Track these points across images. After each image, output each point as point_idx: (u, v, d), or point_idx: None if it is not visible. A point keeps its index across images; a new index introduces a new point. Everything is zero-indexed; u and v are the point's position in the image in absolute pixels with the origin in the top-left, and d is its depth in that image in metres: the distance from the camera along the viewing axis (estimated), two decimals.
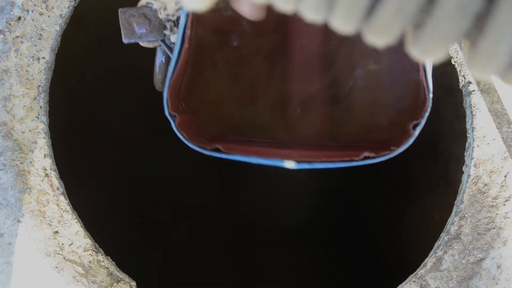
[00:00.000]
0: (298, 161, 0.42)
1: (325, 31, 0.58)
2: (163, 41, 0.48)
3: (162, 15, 0.47)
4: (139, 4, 0.48)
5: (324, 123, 0.55)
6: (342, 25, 0.23)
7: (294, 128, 0.55)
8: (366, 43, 0.24)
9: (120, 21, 0.48)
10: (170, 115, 0.46)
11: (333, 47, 0.57)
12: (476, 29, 0.21)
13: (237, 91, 0.55)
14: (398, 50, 0.55)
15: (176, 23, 0.47)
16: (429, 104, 0.43)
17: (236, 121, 0.53)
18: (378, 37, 0.23)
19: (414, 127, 0.43)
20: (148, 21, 0.48)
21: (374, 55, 0.56)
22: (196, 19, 0.47)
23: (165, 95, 0.46)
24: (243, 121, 0.54)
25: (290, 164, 0.42)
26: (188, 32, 0.46)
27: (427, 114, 0.42)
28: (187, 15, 0.45)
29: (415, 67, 0.46)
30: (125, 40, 0.48)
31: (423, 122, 0.42)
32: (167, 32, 0.48)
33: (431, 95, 0.43)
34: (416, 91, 0.48)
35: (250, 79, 0.56)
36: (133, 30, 0.48)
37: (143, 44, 0.50)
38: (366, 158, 0.42)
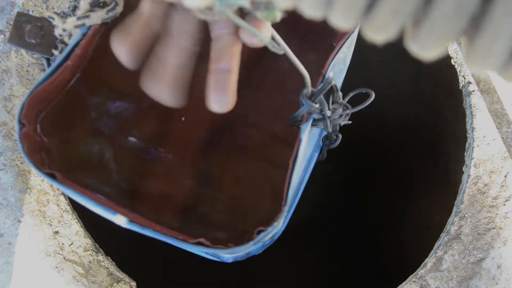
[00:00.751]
0: (130, 221, 0.40)
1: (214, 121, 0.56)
2: (48, 60, 0.45)
3: (57, 32, 0.44)
4: (41, 14, 0.45)
5: (178, 201, 0.54)
6: (341, 22, 0.23)
7: (142, 194, 0.53)
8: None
9: (12, 22, 0.45)
10: (20, 121, 0.42)
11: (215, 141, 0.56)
12: (473, 27, 0.21)
13: (100, 131, 0.53)
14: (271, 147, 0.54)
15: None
16: (282, 216, 0.40)
17: (85, 162, 0.51)
18: (377, 34, 0.23)
19: (259, 232, 0.40)
20: (41, 34, 0.45)
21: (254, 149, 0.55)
22: (95, 51, 0.44)
23: (24, 99, 0.43)
24: (93, 163, 0.51)
25: (120, 220, 0.40)
26: (78, 51, 0.43)
27: (276, 224, 0.40)
28: (84, 35, 0.43)
29: (284, 167, 0.44)
30: (9, 43, 0.45)
31: (269, 230, 0.39)
32: (55, 53, 0.45)
33: (285, 208, 0.40)
34: (274, 194, 0.46)
35: (118, 122, 0.54)
36: (22, 36, 0.45)
37: (26, 55, 0.47)
38: (199, 244, 0.40)
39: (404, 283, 0.67)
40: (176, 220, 0.52)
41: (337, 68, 0.48)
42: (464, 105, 0.70)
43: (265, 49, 0.36)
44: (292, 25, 0.54)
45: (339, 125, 0.49)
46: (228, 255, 0.43)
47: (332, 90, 0.44)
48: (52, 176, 0.42)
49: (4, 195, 0.66)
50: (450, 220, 0.68)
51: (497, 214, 0.67)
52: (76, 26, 0.43)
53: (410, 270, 0.69)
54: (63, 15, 0.44)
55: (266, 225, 0.40)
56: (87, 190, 0.43)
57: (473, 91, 0.68)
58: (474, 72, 0.23)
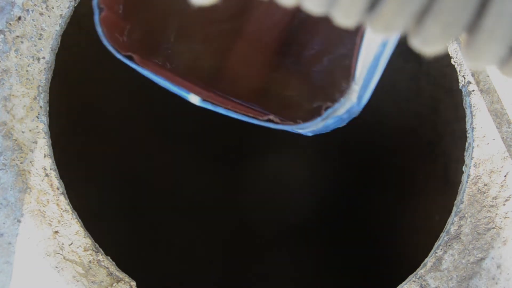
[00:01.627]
0: (203, 100, 0.43)
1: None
2: None
3: None
4: None
5: (255, 81, 0.55)
6: (344, 19, 0.23)
7: (225, 72, 0.54)
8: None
9: None
10: (98, 5, 0.44)
11: (296, 25, 0.57)
12: (471, 26, 0.22)
13: (183, 16, 0.54)
14: (342, 34, 0.56)
15: None
16: (349, 92, 0.42)
17: (165, 44, 0.52)
18: (379, 32, 0.23)
19: (326, 109, 0.44)
20: None
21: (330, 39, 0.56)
22: None
23: None
24: (174, 45, 0.52)
25: (194, 99, 0.43)
26: None
27: (344, 100, 0.42)
28: None
29: (351, 53, 0.46)
30: None
31: (336, 106, 0.42)
32: None
33: (354, 86, 0.43)
34: (343, 77, 0.48)
35: (205, 13, 0.55)
36: None
37: None
38: (269, 121, 0.43)
39: (404, 283, 0.67)
40: (251, 99, 0.54)
41: None
42: (464, 105, 0.70)
43: None
44: None
45: None
46: (301, 130, 0.45)
47: None
48: (130, 58, 0.43)
49: (4, 195, 0.66)
50: (450, 220, 0.68)
51: (497, 214, 0.67)
52: None
53: (410, 270, 0.69)
54: None
55: (333, 102, 0.42)
56: (165, 71, 0.45)
57: (473, 91, 0.68)
58: (472, 67, 0.24)
